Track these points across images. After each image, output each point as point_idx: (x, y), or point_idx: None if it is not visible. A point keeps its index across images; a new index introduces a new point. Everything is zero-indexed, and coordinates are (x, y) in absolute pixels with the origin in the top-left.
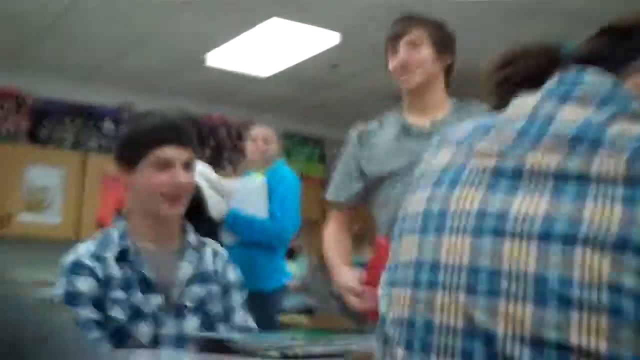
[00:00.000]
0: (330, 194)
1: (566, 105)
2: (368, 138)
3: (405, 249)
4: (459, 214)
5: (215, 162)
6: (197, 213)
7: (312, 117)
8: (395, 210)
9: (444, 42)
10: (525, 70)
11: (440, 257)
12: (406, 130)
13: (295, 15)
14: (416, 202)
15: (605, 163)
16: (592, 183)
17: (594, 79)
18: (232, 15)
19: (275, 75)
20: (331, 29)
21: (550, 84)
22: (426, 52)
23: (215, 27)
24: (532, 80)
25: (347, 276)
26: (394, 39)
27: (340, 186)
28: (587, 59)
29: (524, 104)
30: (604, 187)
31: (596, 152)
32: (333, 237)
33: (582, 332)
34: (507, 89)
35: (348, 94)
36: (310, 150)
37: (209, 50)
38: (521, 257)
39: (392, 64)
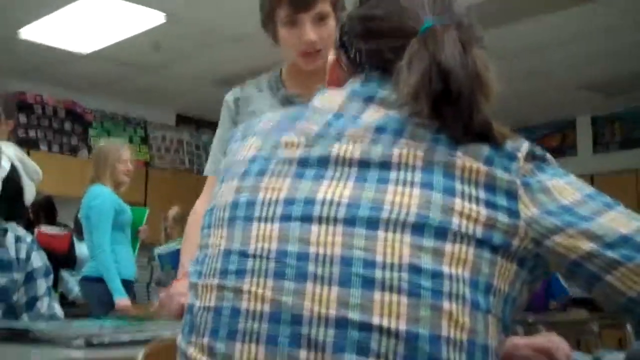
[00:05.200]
0: (207, 170)
1: (371, 105)
2: (247, 104)
3: (214, 240)
4: (267, 203)
5: (30, 142)
6: (16, 196)
7: (134, 99)
8: None
9: (341, 6)
10: (391, 51)
11: (248, 245)
12: (289, 103)
13: None
14: (224, 193)
15: (405, 151)
16: (393, 169)
17: (392, 86)
18: None
19: (96, 53)
20: (155, 9)
21: (355, 84)
22: (332, 25)
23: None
24: (387, 62)
25: (177, 290)
26: (296, 9)
27: (217, 160)
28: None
29: (330, 99)
30: (404, 173)
31: (397, 141)
32: (197, 222)
33: (383, 312)
34: (373, 63)
35: (172, 76)
36: (132, 132)
37: (24, 24)
38: (327, 240)
39: (292, 39)
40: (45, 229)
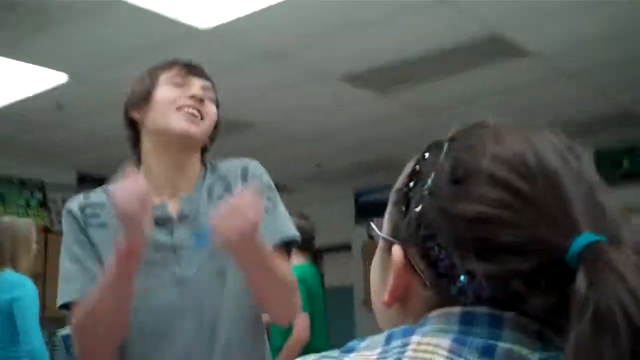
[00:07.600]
0: (66, 294)
1: None
2: (95, 214)
3: None
4: None
5: None
6: None
7: (31, 159)
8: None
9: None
10: (518, 278)
11: None
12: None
13: (18, 55)
14: None
15: None
16: None
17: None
18: None
19: None
20: (57, 70)
21: (452, 322)
22: (214, 109)
23: None
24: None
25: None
26: (187, 70)
27: (78, 279)
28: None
29: (426, 349)
30: None
31: None
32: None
33: None
34: (484, 292)
35: (72, 135)
36: (29, 195)
37: None
38: None
39: (174, 95)
40: None
